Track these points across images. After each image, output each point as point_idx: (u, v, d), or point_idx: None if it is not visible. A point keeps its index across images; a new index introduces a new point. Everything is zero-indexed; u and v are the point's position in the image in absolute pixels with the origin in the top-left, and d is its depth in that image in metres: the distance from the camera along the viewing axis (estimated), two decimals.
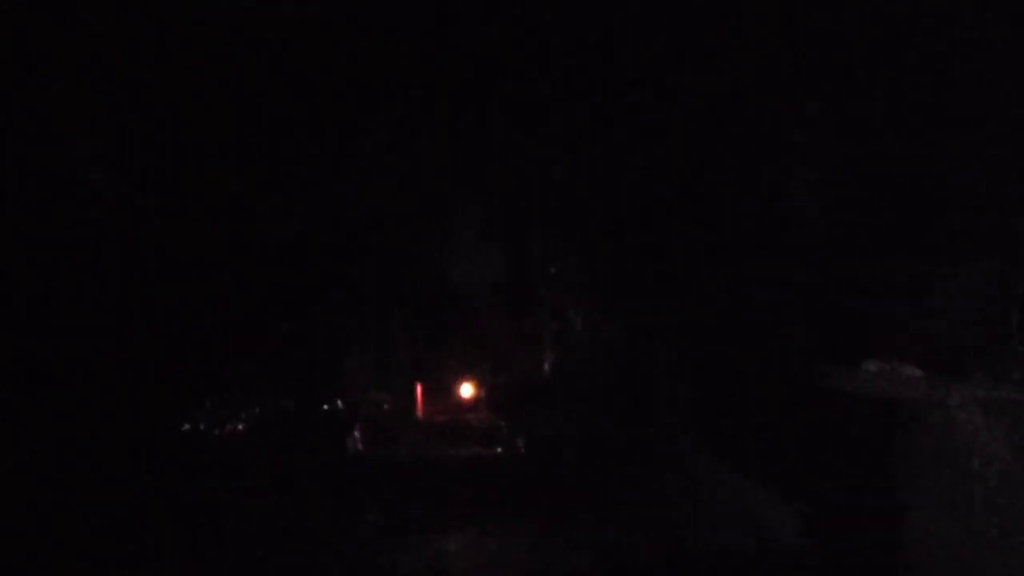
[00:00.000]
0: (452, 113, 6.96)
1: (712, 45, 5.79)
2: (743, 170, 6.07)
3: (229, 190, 6.91)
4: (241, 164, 6.83)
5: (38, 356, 5.76)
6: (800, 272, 5.66)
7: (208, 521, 5.59)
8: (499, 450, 8.30)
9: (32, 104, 5.53)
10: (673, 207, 6.64)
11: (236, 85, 6.29)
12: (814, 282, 5.54)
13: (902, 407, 4.22)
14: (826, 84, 5.44)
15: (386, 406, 8.77)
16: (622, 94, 6.38)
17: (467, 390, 9.13)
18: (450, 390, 9.17)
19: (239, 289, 7.27)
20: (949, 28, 4.56)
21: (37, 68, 5.47)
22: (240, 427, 7.58)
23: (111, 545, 5.13)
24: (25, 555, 4.85)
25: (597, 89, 6.45)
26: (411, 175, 7.56)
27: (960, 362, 4.11)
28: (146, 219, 6.42)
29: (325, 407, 8.26)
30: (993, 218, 4.41)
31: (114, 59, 5.70)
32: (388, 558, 5.20)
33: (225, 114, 6.44)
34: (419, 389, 8.99)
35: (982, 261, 4.38)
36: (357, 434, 8.15)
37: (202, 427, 7.39)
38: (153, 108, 6.09)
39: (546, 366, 8.92)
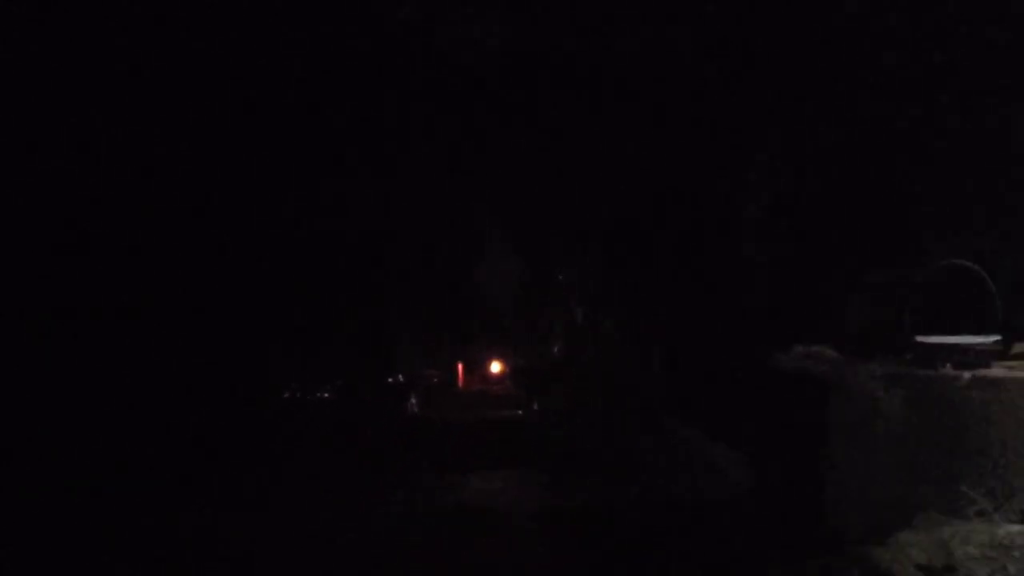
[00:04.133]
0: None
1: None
2: (712, 200, 6.91)
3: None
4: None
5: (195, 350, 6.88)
6: (758, 284, 6.48)
7: (304, 461, 6.30)
8: (520, 413, 9.08)
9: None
10: (658, 228, 7.44)
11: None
12: (767, 291, 6.37)
13: (822, 379, 4.58)
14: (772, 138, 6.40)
15: (435, 380, 9.68)
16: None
17: (496, 368, 10.03)
18: (483, 368, 10.11)
19: (326, 293, 8.19)
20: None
21: None
22: (326, 395, 8.52)
23: (235, 476, 5.83)
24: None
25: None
26: (452, 204, 8.57)
27: (867, 348, 4.59)
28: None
29: (389, 380, 9.19)
30: (893, 242, 5.24)
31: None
32: (439, 493, 5.67)
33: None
34: (460, 367, 9.87)
35: (882, 275, 5.08)
36: (413, 400, 8.98)
37: (299, 395, 8.37)
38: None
39: (555, 351, 9.72)
